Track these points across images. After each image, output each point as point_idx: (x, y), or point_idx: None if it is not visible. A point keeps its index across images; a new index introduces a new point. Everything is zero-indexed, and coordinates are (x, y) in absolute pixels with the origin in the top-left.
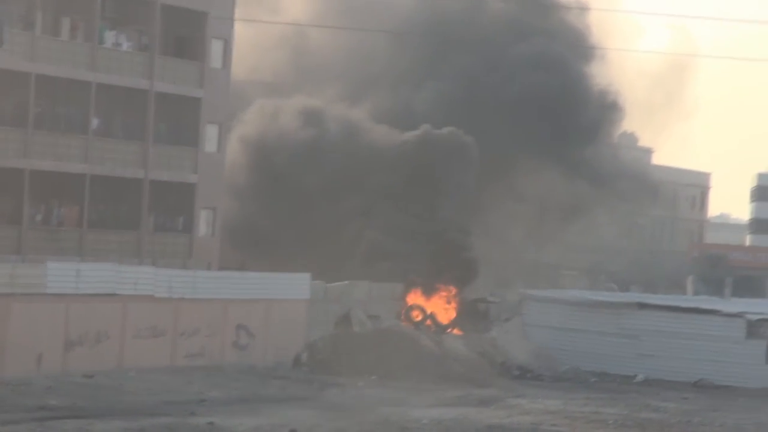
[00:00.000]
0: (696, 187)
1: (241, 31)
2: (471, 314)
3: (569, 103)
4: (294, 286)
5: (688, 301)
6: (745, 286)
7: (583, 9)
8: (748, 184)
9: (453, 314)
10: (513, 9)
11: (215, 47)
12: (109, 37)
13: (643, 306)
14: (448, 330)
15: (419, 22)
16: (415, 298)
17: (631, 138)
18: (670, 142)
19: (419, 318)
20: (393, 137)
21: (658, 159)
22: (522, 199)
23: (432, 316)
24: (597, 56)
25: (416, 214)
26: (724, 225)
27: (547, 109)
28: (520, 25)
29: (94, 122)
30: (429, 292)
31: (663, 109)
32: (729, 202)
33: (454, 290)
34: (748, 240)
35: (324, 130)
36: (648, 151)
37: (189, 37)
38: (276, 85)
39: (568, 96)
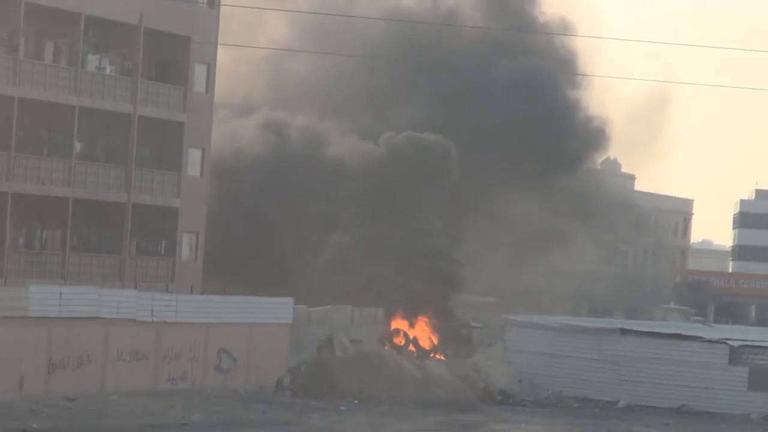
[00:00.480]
0: (679, 213)
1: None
2: (454, 339)
3: (554, 128)
4: (276, 310)
5: (671, 327)
6: (728, 313)
7: (566, 33)
8: (731, 210)
9: (435, 338)
10: (493, 31)
11: (198, 72)
12: (93, 61)
13: (625, 332)
14: (431, 355)
15: (397, 44)
16: (397, 322)
17: (614, 164)
18: (653, 169)
19: (402, 342)
20: (365, 147)
21: (641, 185)
22: (502, 225)
23: (414, 341)
24: (581, 82)
25: (397, 228)
26: (707, 251)
27: (530, 135)
28: (500, 47)
29: (77, 146)
30: (412, 316)
31: (645, 137)
32: (712, 229)
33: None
34: (730, 266)
35: (285, 140)
36: (631, 178)
37: (172, 62)
38: (250, 107)
39: (552, 121)
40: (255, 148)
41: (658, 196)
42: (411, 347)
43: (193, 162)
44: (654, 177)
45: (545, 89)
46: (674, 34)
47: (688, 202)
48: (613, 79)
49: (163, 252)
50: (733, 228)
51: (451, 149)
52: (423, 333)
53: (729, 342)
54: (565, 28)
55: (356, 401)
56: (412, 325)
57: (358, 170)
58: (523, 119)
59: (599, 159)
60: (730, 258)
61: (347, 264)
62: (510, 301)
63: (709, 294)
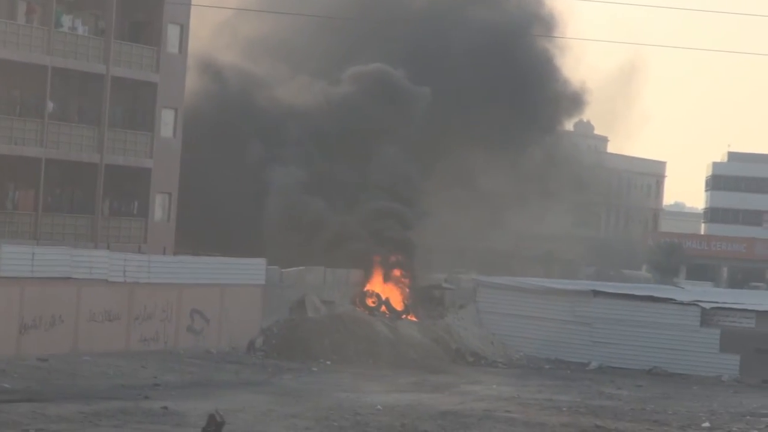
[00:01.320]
0: (651, 176)
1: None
2: (426, 300)
3: (527, 88)
4: (249, 271)
5: (643, 289)
6: (700, 275)
7: None
8: (704, 173)
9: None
10: None
11: (172, 32)
12: (66, 21)
13: (597, 293)
14: (403, 316)
15: (360, 2)
16: (370, 283)
17: (587, 126)
18: (626, 132)
19: (374, 304)
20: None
21: (614, 147)
22: (471, 187)
23: (387, 302)
24: (555, 43)
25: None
26: (680, 213)
27: (501, 94)
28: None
29: (50, 106)
30: (384, 276)
31: (617, 100)
32: (684, 191)
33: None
34: (703, 229)
35: (225, 84)
36: (603, 140)
37: (145, 22)
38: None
39: (526, 81)
40: (208, 101)
41: (631, 158)
42: (383, 308)
43: (166, 123)
44: (626, 139)
45: (518, 45)
46: None
47: (661, 165)
48: (585, 43)
49: (135, 213)
50: (706, 190)
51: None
52: (395, 294)
53: (701, 304)
54: None
55: (329, 362)
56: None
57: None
58: (494, 77)
59: (572, 121)
60: (702, 220)
61: (315, 222)
62: (481, 263)
63: (681, 256)
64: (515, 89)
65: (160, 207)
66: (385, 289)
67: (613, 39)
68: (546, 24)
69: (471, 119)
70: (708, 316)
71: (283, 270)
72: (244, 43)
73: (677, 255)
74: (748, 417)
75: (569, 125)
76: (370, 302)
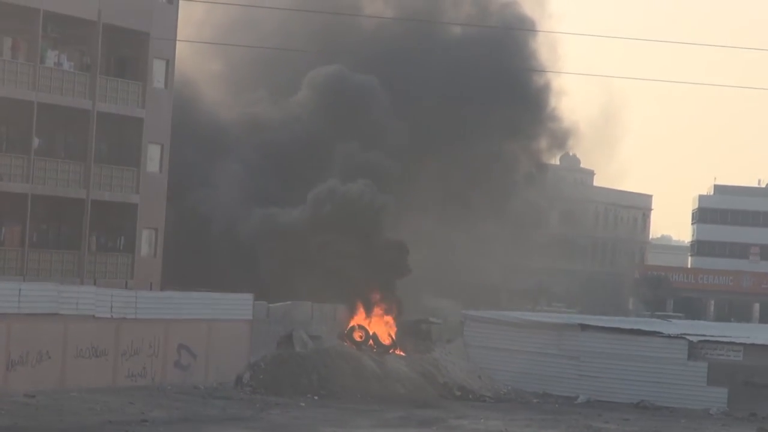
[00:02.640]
0: (638, 209)
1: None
2: (413, 335)
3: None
4: (236, 306)
5: (630, 322)
6: (687, 308)
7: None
8: (690, 206)
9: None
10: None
11: (157, 67)
12: (51, 56)
13: (585, 327)
14: (391, 350)
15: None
16: (357, 318)
17: (573, 160)
18: (613, 165)
19: (361, 338)
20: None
21: (600, 181)
22: (456, 222)
23: (374, 337)
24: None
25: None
26: (666, 247)
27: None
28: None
29: (36, 142)
30: (370, 311)
31: (605, 132)
32: (671, 224)
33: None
34: (689, 262)
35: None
36: (590, 173)
37: (131, 57)
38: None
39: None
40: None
41: (617, 191)
42: (371, 343)
43: (152, 158)
44: (613, 172)
45: (503, 82)
46: (632, 28)
47: (647, 198)
48: (571, 77)
49: (122, 248)
50: (692, 223)
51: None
52: (382, 329)
53: (688, 337)
54: (522, 23)
55: (316, 397)
56: (368, 318)
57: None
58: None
59: (558, 155)
60: (689, 253)
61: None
62: (469, 297)
63: (668, 290)
64: (501, 121)
65: (146, 242)
66: (372, 324)
67: (600, 72)
68: (533, 58)
69: (452, 150)
70: (695, 349)
71: (270, 305)
72: (217, 74)
73: (664, 288)
74: None
75: (555, 159)
76: (357, 337)
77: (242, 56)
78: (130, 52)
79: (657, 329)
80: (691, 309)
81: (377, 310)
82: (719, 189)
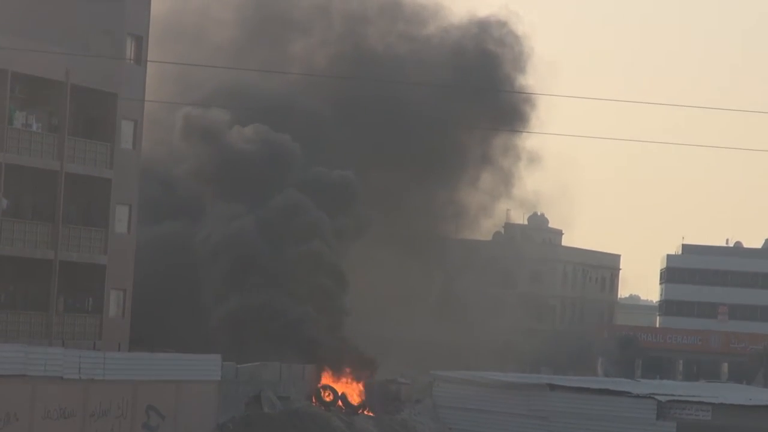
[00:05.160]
0: (606, 268)
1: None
2: (382, 395)
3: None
4: (204, 367)
5: (599, 382)
6: (655, 368)
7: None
8: (658, 265)
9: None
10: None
11: (125, 128)
12: (19, 117)
13: (553, 387)
14: (359, 411)
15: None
16: (326, 378)
17: (542, 220)
18: (581, 225)
19: (330, 399)
20: None
21: (569, 241)
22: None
23: (343, 397)
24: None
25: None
26: (635, 306)
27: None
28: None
29: (4, 203)
30: (338, 372)
31: (570, 192)
32: (639, 284)
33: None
34: (658, 321)
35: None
36: (558, 233)
37: (99, 118)
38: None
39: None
40: None
41: (586, 251)
42: (339, 403)
43: (121, 219)
44: (581, 232)
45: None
46: (599, 88)
47: (616, 258)
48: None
49: (90, 309)
50: (660, 283)
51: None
52: (351, 389)
53: (657, 397)
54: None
55: None
56: (336, 379)
57: None
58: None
59: (526, 215)
60: (657, 313)
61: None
62: (436, 357)
63: (637, 349)
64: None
65: (114, 303)
66: (340, 384)
67: (568, 132)
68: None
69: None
70: (664, 409)
71: (238, 366)
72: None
73: (633, 348)
74: None
75: (523, 219)
76: (326, 397)
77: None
78: (98, 112)
79: (625, 389)
80: (660, 369)
81: (346, 371)
82: (687, 248)
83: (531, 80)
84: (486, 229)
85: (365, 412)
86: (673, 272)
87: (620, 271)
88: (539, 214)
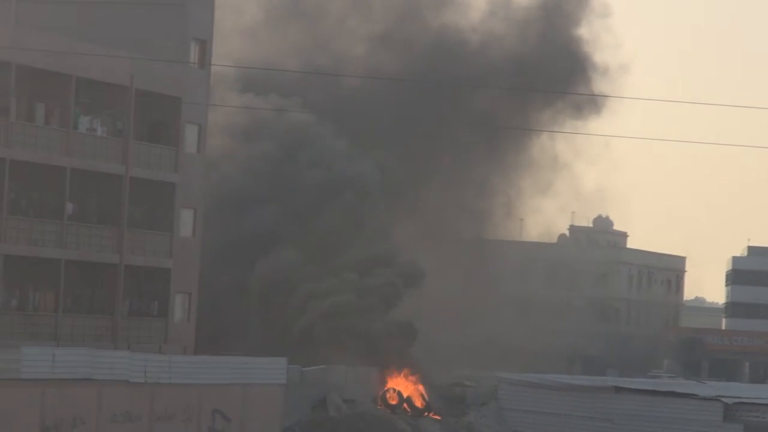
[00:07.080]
0: (671, 270)
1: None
2: (448, 398)
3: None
4: (270, 370)
5: (665, 385)
6: (722, 370)
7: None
8: (724, 267)
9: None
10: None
11: (190, 132)
12: (84, 122)
13: (619, 389)
14: (425, 414)
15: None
16: (392, 381)
17: (606, 222)
18: (646, 227)
19: (395, 402)
20: None
21: (633, 243)
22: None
23: (408, 400)
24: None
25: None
26: (700, 308)
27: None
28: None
29: (69, 207)
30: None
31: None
32: (704, 286)
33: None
34: (723, 323)
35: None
36: (623, 236)
37: (163, 122)
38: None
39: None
40: None
41: (650, 253)
42: (405, 406)
43: (185, 222)
44: (646, 234)
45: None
46: (667, 90)
47: (681, 260)
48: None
49: (155, 313)
50: (726, 285)
51: None
52: (416, 392)
53: (723, 399)
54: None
55: None
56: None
57: None
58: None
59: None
60: (723, 315)
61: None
62: (502, 360)
63: (702, 351)
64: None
65: (180, 307)
66: (406, 387)
67: (633, 135)
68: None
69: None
70: (731, 411)
71: (304, 369)
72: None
73: (698, 350)
74: None
75: (588, 221)
76: (391, 400)
77: None
78: (162, 116)
79: (692, 391)
80: (726, 371)
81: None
82: (753, 250)
83: (601, 84)
84: (551, 231)
85: (431, 415)
86: (739, 274)
87: (685, 273)
88: (604, 216)
